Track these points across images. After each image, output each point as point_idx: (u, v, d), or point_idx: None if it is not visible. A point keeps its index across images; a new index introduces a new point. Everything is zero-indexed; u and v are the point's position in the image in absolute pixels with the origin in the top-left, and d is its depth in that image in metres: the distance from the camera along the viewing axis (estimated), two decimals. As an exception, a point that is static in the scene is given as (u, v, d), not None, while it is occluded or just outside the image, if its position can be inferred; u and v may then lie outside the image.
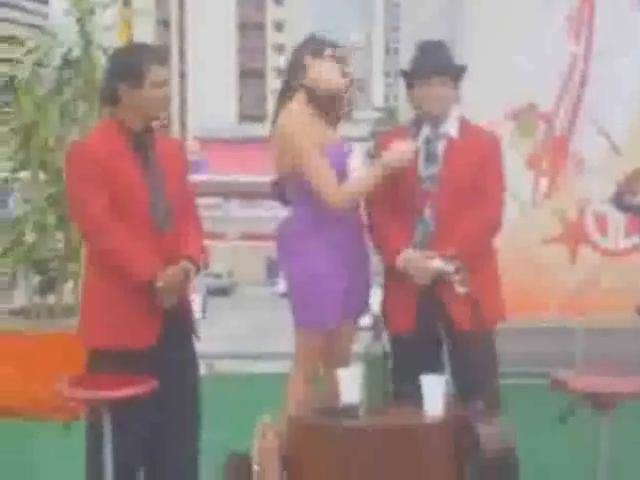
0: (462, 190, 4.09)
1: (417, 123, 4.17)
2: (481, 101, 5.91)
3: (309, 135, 4.04)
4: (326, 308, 4.07)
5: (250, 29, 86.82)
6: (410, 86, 4.22)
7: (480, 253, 4.12)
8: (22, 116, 6.22)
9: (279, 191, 4.25)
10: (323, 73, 4.13)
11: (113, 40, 6.81)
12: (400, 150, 4.04)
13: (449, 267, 3.92)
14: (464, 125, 4.21)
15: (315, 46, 4.14)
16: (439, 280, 4.00)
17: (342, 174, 4.09)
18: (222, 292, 34.20)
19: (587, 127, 6.58)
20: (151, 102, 3.95)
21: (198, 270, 4.02)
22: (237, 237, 38.81)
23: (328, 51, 4.13)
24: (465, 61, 4.36)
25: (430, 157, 4.14)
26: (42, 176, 6.29)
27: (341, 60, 4.16)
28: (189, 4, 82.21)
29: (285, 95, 4.19)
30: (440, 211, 4.09)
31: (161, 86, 3.96)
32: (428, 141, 4.15)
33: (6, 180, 6.63)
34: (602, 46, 6.52)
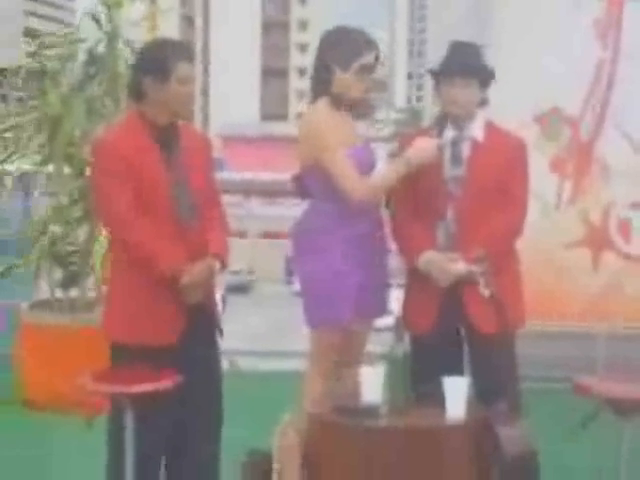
0: (486, 192, 4.08)
1: (440, 122, 4.17)
2: (507, 103, 5.89)
3: (334, 131, 4.06)
4: (343, 305, 4.08)
5: (274, 28, 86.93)
6: (437, 85, 4.22)
7: (503, 255, 4.11)
8: (48, 109, 6.23)
9: (300, 185, 4.26)
10: (349, 88, 4.13)
11: (138, 35, 6.81)
12: (422, 147, 4.05)
13: (476, 268, 3.91)
14: (490, 128, 4.20)
15: (345, 56, 4.12)
16: (463, 282, 3.99)
17: (367, 171, 4.10)
18: (241, 289, 34.14)
19: (612, 131, 6.56)
20: (176, 98, 3.95)
21: (223, 267, 4.03)
22: (257, 235, 38.82)
23: (356, 65, 4.13)
24: (491, 63, 4.35)
25: (455, 159, 4.14)
26: (67, 170, 6.31)
27: (369, 68, 4.16)
28: (213, 2, 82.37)
29: (313, 95, 4.21)
30: (463, 213, 4.08)
31: (187, 82, 3.96)
32: (454, 143, 4.14)
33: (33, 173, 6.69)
34: (629, 48, 6.50)
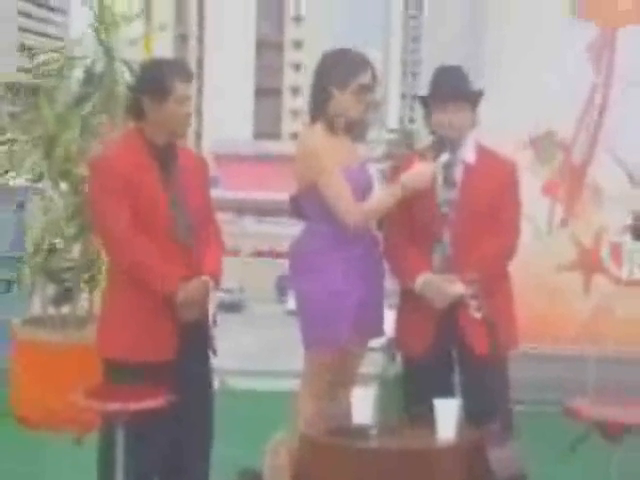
0: (479, 215, 4.10)
1: (435, 147, 4.19)
2: (500, 126, 5.91)
3: (330, 154, 4.08)
4: (339, 325, 4.09)
5: (268, 47, 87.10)
6: (427, 111, 4.25)
7: (495, 278, 4.13)
8: (44, 126, 6.23)
9: (297, 206, 4.27)
10: (347, 109, 4.15)
11: (134, 54, 6.82)
12: (418, 172, 4.08)
13: (468, 291, 3.93)
14: (481, 150, 4.23)
15: (341, 77, 4.15)
16: (459, 304, 4.01)
17: (364, 194, 4.12)
18: (233, 308, 34.12)
19: (604, 155, 6.58)
20: (174, 117, 3.98)
21: (217, 285, 4.04)
22: (249, 253, 38.79)
23: (354, 85, 4.15)
24: (486, 84, 4.38)
25: (448, 182, 4.16)
26: (62, 187, 6.31)
27: (367, 88, 4.18)
28: (208, 20, 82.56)
29: (311, 117, 4.23)
30: (458, 236, 4.10)
31: (184, 102, 3.99)
32: (446, 166, 4.16)
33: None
34: (623, 71, 6.53)
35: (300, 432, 3.79)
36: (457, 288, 4.00)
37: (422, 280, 4.06)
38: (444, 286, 4.02)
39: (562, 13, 6.55)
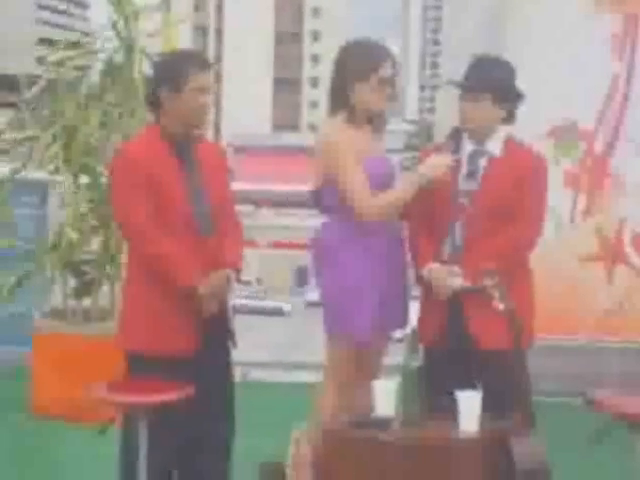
0: (498, 207, 4.09)
1: (454, 137, 4.18)
2: (521, 117, 5.89)
3: (349, 146, 4.07)
4: (361, 317, 4.08)
5: (287, 38, 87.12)
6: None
7: (512, 270, 4.10)
8: (64, 119, 6.23)
9: (318, 198, 4.27)
10: (368, 101, 4.15)
11: (156, 46, 6.81)
12: (434, 163, 4.07)
13: (488, 282, 3.90)
14: (510, 144, 4.20)
15: (362, 69, 4.13)
16: (464, 297, 4.00)
17: (385, 185, 4.11)
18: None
19: (626, 145, 6.54)
20: (191, 107, 3.96)
21: (238, 278, 4.04)
22: (266, 246, 38.69)
23: (374, 77, 4.13)
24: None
25: (471, 173, 4.15)
26: (82, 179, 6.31)
27: (388, 80, 4.16)
28: (227, 12, 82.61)
29: (331, 109, 4.22)
30: (473, 227, 4.09)
31: (201, 92, 3.97)
32: (471, 157, 4.15)
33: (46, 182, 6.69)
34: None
35: (322, 424, 3.79)
36: (455, 282, 4.00)
37: (427, 270, 4.08)
38: (444, 278, 4.02)
39: (585, 4, 6.51)
